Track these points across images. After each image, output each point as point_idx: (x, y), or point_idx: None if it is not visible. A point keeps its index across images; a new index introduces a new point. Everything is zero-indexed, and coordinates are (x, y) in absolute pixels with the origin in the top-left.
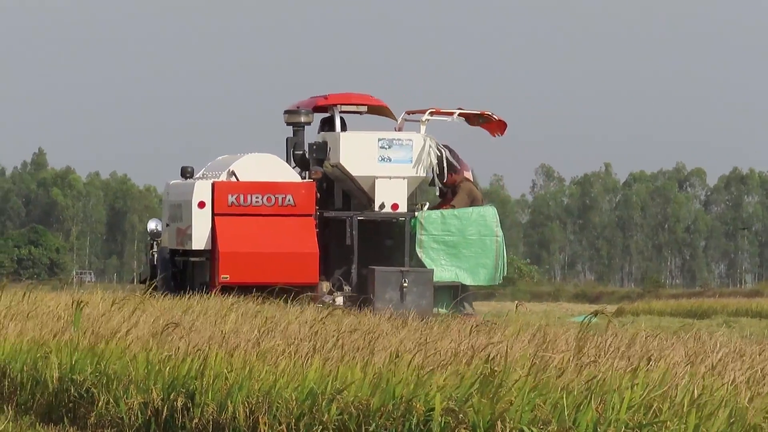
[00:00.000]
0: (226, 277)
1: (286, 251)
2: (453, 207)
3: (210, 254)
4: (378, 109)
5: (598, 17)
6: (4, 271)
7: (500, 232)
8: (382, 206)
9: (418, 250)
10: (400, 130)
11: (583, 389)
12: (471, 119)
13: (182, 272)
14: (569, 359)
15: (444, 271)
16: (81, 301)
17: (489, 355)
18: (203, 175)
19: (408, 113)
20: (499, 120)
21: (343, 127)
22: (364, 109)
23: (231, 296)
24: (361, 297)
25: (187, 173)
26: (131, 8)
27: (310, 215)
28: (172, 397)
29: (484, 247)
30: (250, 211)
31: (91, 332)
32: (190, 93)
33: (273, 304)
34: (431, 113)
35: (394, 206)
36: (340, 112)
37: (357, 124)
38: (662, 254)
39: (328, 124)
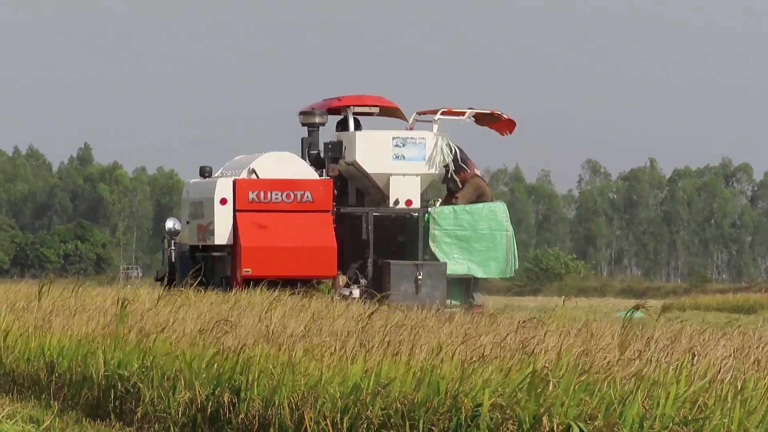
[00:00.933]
0: (248, 271)
1: (305, 245)
2: (456, 200)
3: (232, 249)
4: (390, 110)
5: (642, 11)
6: (51, 267)
7: (510, 227)
8: (396, 202)
9: (431, 244)
10: (411, 130)
11: (629, 384)
12: (481, 119)
13: (202, 268)
14: (615, 354)
15: (456, 264)
16: (125, 299)
17: (534, 351)
18: (222, 173)
19: (419, 114)
20: (508, 119)
21: (357, 128)
22: (377, 110)
23: (259, 289)
24: (374, 290)
25: (205, 172)
26: (179, 2)
27: (328, 211)
28: (218, 392)
29: (494, 241)
30: (270, 207)
31: (137, 328)
32: (236, 88)
33: (318, 299)
34: (443, 113)
35: (408, 202)
36: (353, 113)
37: (369, 124)
38: (708, 250)
39: (342, 125)
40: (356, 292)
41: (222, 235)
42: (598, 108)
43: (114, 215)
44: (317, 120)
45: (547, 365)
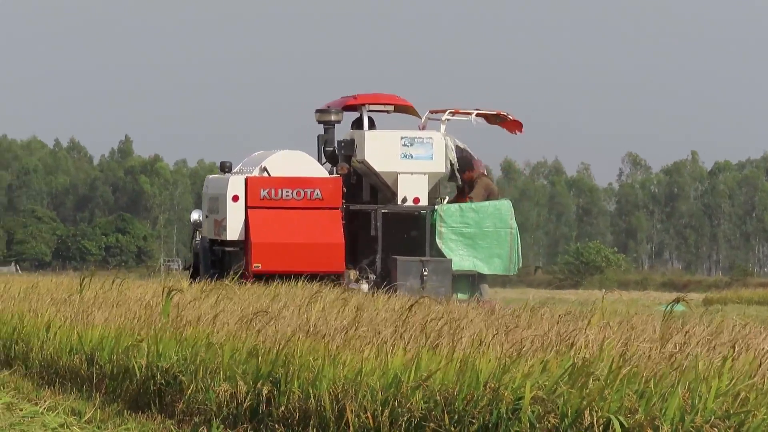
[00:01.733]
0: (258, 266)
1: (314, 242)
2: (471, 200)
3: (243, 244)
4: (404, 109)
5: (683, 2)
6: (92, 259)
7: (514, 225)
8: (404, 200)
9: (438, 240)
10: (423, 128)
11: (670, 378)
12: (489, 119)
13: (220, 260)
14: (656, 348)
15: (462, 261)
16: (171, 289)
17: (575, 344)
18: (240, 170)
19: (432, 112)
20: (515, 120)
21: (371, 126)
22: (391, 108)
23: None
24: (382, 285)
25: (225, 168)
26: None
27: (337, 208)
28: (258, 385)
29: (499, 238)
30: (281, 204)
31: (178, 320)
32: (279, 80)
33: (355, 293)
34: (451, 113)
35: (416, 200)
36: (368, 111)
37: (384, 122)
38: (749, 243)
39: (357, 123)
40: (365, 287)
41: (234, 230)
42: (638, 101)
43: (155, 208)
44: (333, 118)
45: (587, 358)
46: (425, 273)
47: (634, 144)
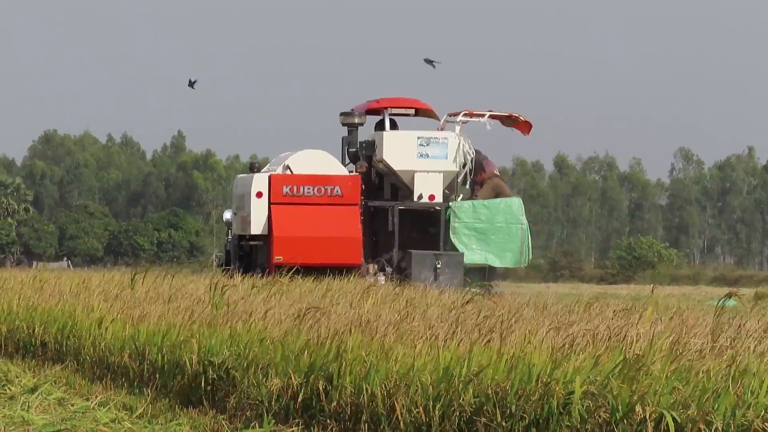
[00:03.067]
0: (279, 258)
1: (333, 236)
2: (476, 197)
3: (266, 238)
4: (424, 112)
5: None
6: (144, 255)
7: (525, 221)
8: (420, 197)
9: (452, 235)
10: (443, 129)
11: (723, 373)
12: (502, 120)
13: (248, 254)
14: (708, 343)
15: (475, 255)
16: (223, 284)
17: (627, 338)
18: (268, 168)
19: (450, 115)
20: (525, 121)
21: (393, 128)
22: (412, 111)
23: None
24: (398, 277)
25: (254, 167)
26: None
27: (356, 204)
28: (311, 380)
29: (510, 233)
30: (302, 200)
31: (230, 315)
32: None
33: (411, 287)
34: (465, 115)
35: (431, 197)
36: (391, 114)
37: (406, 124)
38: None
39: (380, 125)
40: (381, 279)
41: (258, 225)
42: (691, 95)
43: (207, 203)
44: (356, 120)
45: (638, 353)
46: (438, 266)
47: (686, 139)
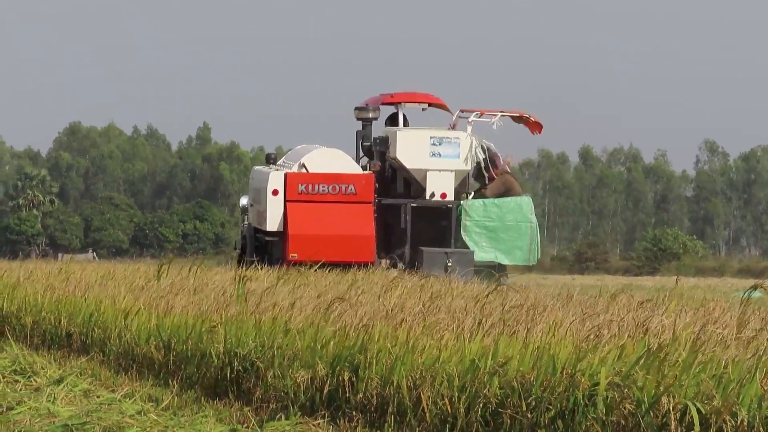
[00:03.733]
0: (294, 255)
1: (346, 233)
2: (485, 190)
3: (282, 235)
4: (437, 106)
5: None
6: (170, 247)
7: (534, 219)
8: (432, 195)
9: (462, 233)
10: (454, 126)
11: (748, 364)
12: (513, 119)
13: (264, 247)
14: (732, 334)
15: (485, 252)
16: (245, 276)
17: (651, 329)
18: (283, 162)
19: (462, 111)
20: (536, 121)
21: (405, 123)
22: (425, 105)
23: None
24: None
25: (270, 160)
26: None
27: (369, 202)
28: (336, 371)
29: (519, 231)
30: (317, 198)
31: (256, 306)
32: (354, 65)
33: (436, 279)
34: (477, 115)
35: (443, 195)
36: (404, 108)
37: (418, 118)
38: None
39: (392, 120)
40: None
41: (274, 222)
42: (715, 87)
43: (233, 194)
44: (370, 115)
45: (662, 343)
46: (449, 263)
47: (711, 131)
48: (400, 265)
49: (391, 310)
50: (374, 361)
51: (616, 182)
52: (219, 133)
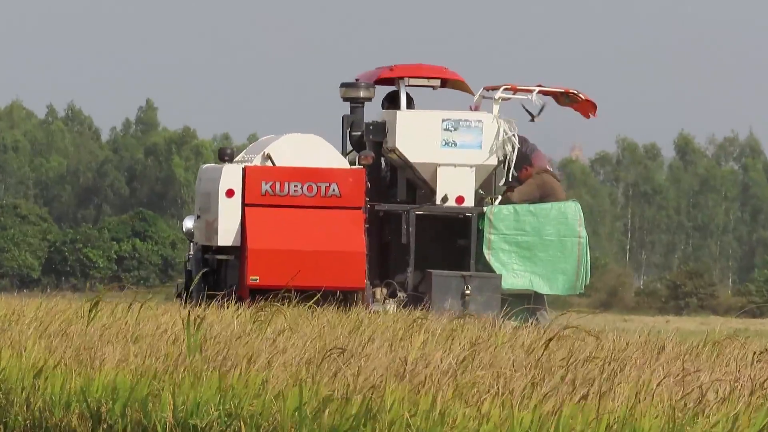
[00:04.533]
0: (256, 279)
1: (328, 249)
2: (511, 194)
3: (239, 252)
4: (453, 84)
5: None
6: (99, 275)
7: (584, 233)
8: (444, 199)
9: (485, 251)
10: (476, 108)
11: None
12: (556, 98)
13: (215, 272)
14: None
15: (516, 278)
16: (200, 317)
17: None
18: (242, 158)
19: (487, 89)
20: (587, 99)
21: (410, 104)
22: (437, 83)
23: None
24: (414, 305)
25: (225, 156)
26: None
27: (359, 208)
28: None
29: (563, 249)
30: (287, 201)
31: (220, 360)
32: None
33: (471, 322)
34: (507, 90)
35: (459, 199)
36: (408, 86)
37: (428, 100)
38: None
39: (390, 101)
40: (391, 308)
41: (227, 234)
42: None
43: (189, 202)
44: (361, 94)
45: None
46: (467, 292)
47: None
48: (401, 294)
49: (411, 365)
50: None
51: (727, 185)
52: (168, 115)
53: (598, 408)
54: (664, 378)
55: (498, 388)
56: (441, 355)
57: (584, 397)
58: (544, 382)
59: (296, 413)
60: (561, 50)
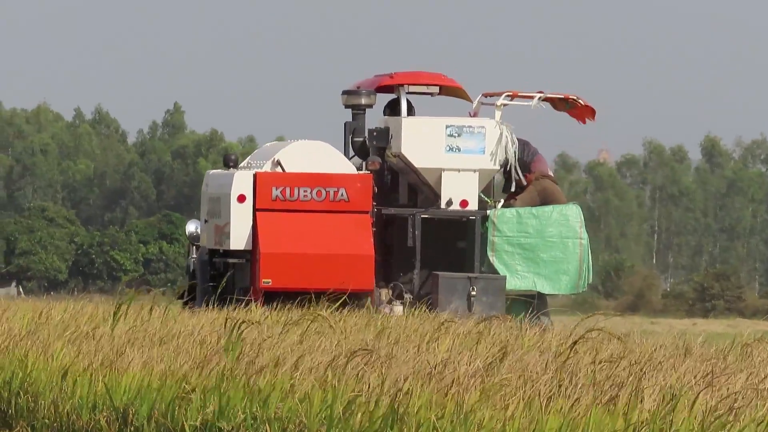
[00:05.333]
0: (268, 282)
1: (337, 252)
2: (515, 202)
3: (250, 255)
4: (451, 90)
5: None
6: (126, 278)
7: (585, 234)
8: (449, 203)
9: (489, 253)
10: (475, 115)
11: None
12: (555, 104)
13: (222, 276)
14: None
15: (519, 279)
16: (240, 320)
17: None
18: (248, 164)
19: (486, 95)
20: (586, 105)
21: (410, 111)
22: (436, 89)
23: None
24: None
25: (230, 162)
26: None
27: (366, 212)
28: None
29: (566, 250)
30: (297, 206)
31: (248, 363)
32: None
33: (499, 326)
34: (509, 96)
35: (463, 203)
36: (408, 93)
37: (427, 107)
38: None
39: (391, 107)
40: (398, 309)
41: (239, 238)
42: None
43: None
44: (363, 101)
45: None
46: (473, 293)
47: None
48: (407, 296)
49: (438, 366)
50: None
51: (753, 188)
52: (195, 118)
53: (627, 412)
54: (694, 382)
55: (524, 391)
56: (468, 358)
57: (611, 400)
58: (571, 385)
59: (323, 416)
60: (585, 53)
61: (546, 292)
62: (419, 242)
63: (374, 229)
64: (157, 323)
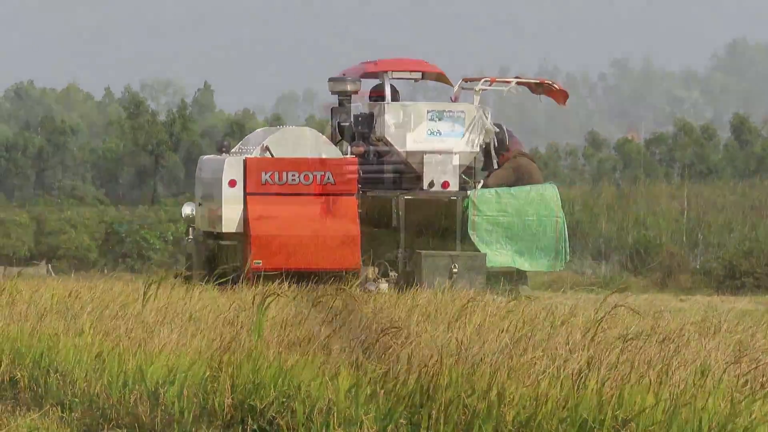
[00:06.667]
0: (259, 263)
1: (325, 234)
2: (488, 179)
3: (242, 238)
4: (433, 76)
5: None
6: (157, 257)
7: (561, 213)
8: (431, 184)
9: (470, 232)
10: (456, 99)
11: None
12: (531, 88)
13: (216, 257)
14: None
15: (499, 256)
16: (268, 296)
17: None
18: (239, 150)
19: (465, 81)
20: (560, 89)
21: (394, 97)
22: (418, 75)
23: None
24: (405, 283)
25: (222, 148)
26: None
27: (352, 194)
28: (389, 429)
29: (543, 228)
30: (286, 190)
31: (277, 341)
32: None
33: (526, 302)
34: (487, 82)
35: (445, 184)
36: (392, 79)
37: (410, 92)
38: None
39: (376, 93)
40: (384, 287)
41: (230, 221)
42: None
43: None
44: (348, 88)
45: None
46: (455, 269)
47: None
48: (392, 273)
49: (467, 344)
50: (442, 417)
51: None
52: (225, 98)
53: (657, 390)
54: (723, 359)
55: (553, 368)
56: (496, 335)
57: (641, 377)
58: (601, 362)
59: (351, 391)
60: (608, 36)
61: (524, 269)
62: (403, 222)
63: (360, 210)
64: (187, 302)
